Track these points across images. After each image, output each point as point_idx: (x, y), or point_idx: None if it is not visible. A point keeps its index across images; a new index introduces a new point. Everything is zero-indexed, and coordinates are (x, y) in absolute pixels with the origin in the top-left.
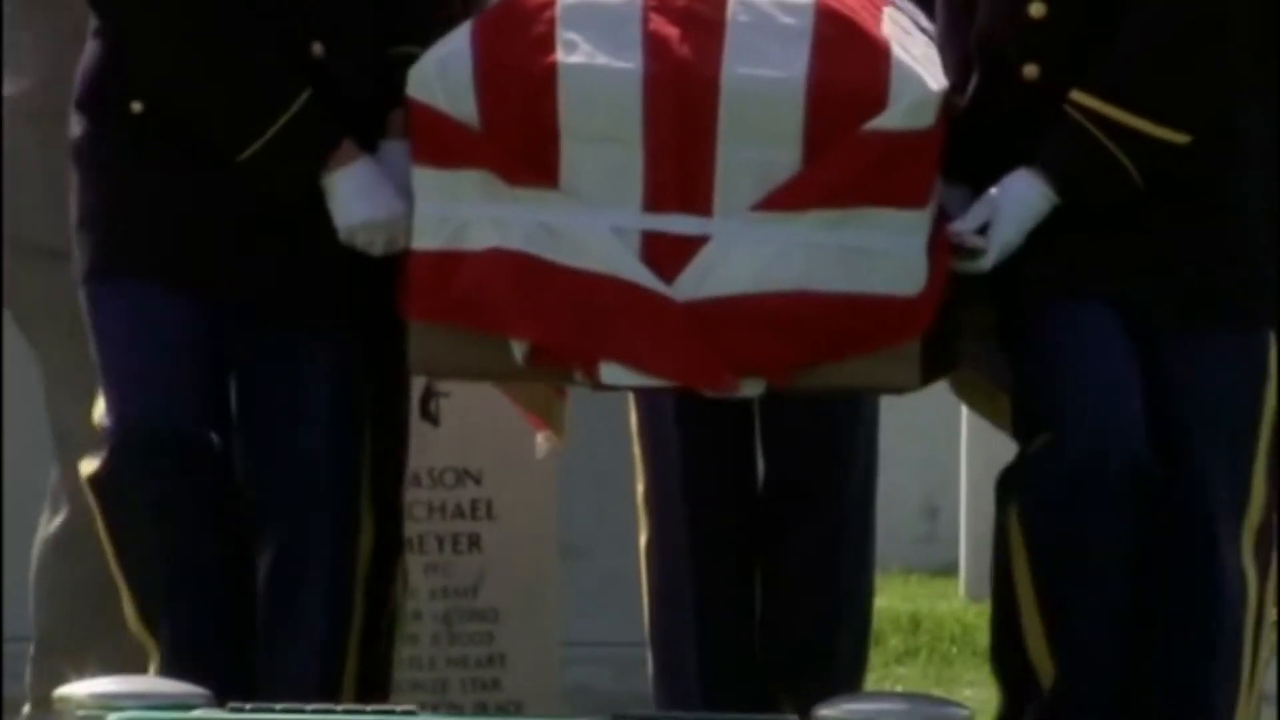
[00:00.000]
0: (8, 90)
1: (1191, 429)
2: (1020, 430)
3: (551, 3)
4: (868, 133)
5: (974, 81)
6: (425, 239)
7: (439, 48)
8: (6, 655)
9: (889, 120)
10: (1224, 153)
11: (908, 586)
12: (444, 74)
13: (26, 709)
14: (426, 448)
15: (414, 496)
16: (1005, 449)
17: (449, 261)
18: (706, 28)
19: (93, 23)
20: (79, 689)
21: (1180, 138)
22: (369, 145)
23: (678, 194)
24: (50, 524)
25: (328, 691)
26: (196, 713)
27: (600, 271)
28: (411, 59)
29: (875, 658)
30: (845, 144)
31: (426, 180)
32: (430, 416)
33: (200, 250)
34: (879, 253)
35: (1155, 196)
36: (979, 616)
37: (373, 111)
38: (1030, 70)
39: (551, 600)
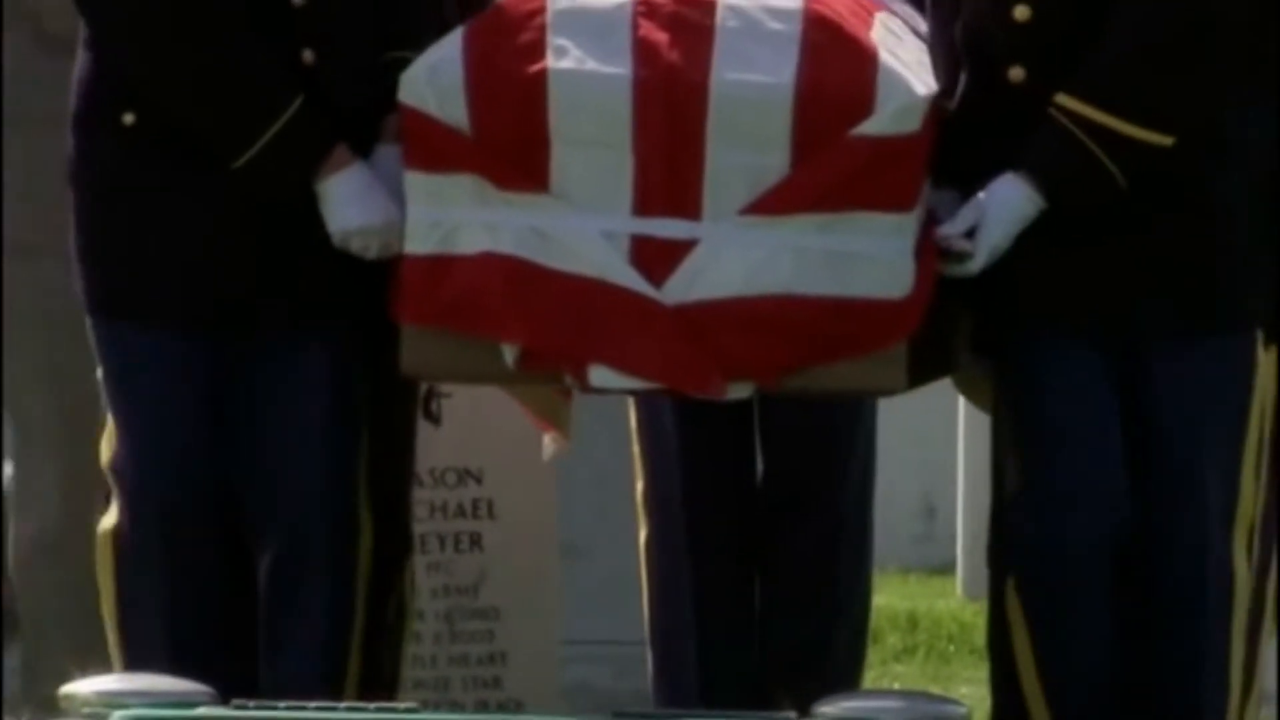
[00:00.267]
0: None
1: (1179, 430)
2: (998, 460)
3: (542, 9)
4: (855, 137)
5: (962, 85)
6: (417, 243)
7: (431, 53)
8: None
9: (876, 125)
10: (1208, 154)
11: (905, 585)
12: (435, 79)
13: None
14: (428, 448)
15: (416, 496)
16: None
17: (440, 265)
18: (696, 33)
19: (84, 33)
20: (84, 687)
21: (1165, 140)
22: (363, 150)
23: (667, 198)
24: (24, 526)
25: (330, 692)
26: (201, 710)
27: (590, 275)
28: (404, 64)
29: (873, 656)
30: (833, 149)
31: (418, 185)
32: (432, 417)
33: (202, 274)
34: (866, 256)
35: (1140, 199)
36: (976, 615)
37: (366, 117)
38: (1016, 73)
39: (552, 599)
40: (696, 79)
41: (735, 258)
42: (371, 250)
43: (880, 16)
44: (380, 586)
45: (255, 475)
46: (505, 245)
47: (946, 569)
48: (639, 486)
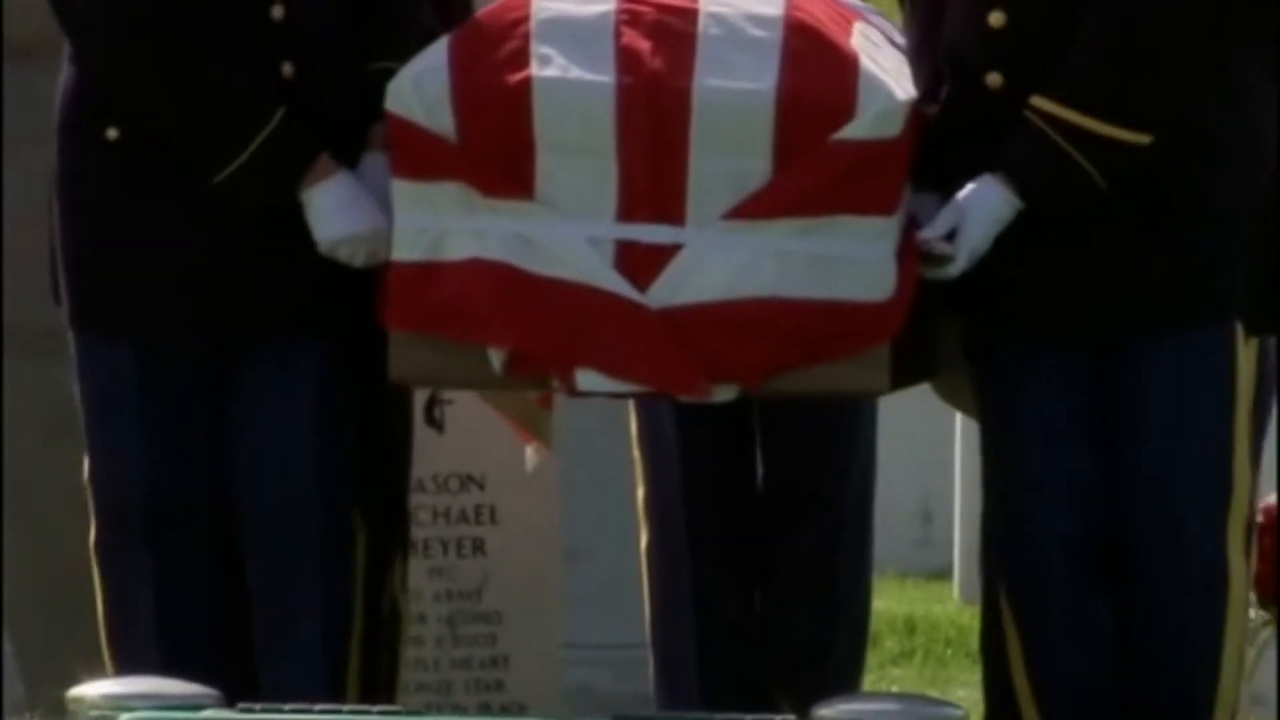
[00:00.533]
0: None
1: (1160, 424)
2: (986, 473)
3: (526, 18)
4: (836, 142)
5: (943, 91)
6: (404, 250)
7: (416, 63)
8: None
9: (857, 130)
10: (1187, 150)
11: (903, 589)
12: (421, 88)
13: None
14: (431, 454)
15: (419, 501)
16: None
17: (428, 272)
18: (678, 41)
19: (68, 48)
20: (91, 689)
21: (1141, 138)
22: (348, 160)
23: (651, 204)
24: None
25: (332, 694)
26: (207, 713)
27: (576, 280)
28: (389, 74)
29: (871, 659)
30: (815, 153)
31: (404, 193)
32: (435, 423)
33: (188, 286)
34: (848, 260)
35: (1119, 197)
36: (973, 619)
37: (349, 127)
38: (994, 79)
39: (553, 603)
40: (679, 86)
41: (719, 262)
42: (359, 258)
43: (859, 25)
44: (373, 587)
45: (246, 482)
46: (492, 252)
47: (944, 573)
48: (640, 491)
